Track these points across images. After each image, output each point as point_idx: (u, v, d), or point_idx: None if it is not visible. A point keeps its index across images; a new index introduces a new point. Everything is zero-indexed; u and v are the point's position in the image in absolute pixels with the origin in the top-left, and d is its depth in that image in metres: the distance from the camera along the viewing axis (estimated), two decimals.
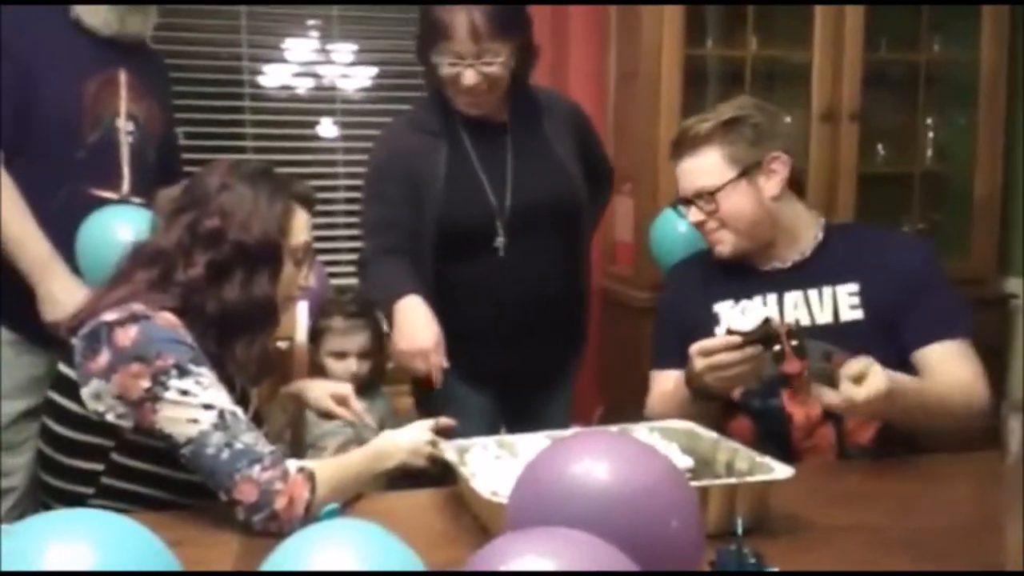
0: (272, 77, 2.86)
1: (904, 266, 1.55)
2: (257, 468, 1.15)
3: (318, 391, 1.62)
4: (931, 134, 2.89)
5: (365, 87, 2.93)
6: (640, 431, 1.27)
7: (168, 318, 1.24)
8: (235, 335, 1.29)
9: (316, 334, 2.09)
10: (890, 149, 2.87)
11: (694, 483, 1.05)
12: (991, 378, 1.52)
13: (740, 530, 0.90)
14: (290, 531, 1.10)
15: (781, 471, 1.12)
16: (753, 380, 1.45)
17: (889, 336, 1.52)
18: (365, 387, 2.04)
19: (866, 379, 1.27)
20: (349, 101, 2.91)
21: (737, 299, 1.60)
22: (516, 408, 1.98)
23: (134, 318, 1.21)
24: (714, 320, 1.62)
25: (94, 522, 0.69)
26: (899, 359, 1.52)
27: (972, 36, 2.73)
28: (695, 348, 1.42)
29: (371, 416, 1.74)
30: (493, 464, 1.14)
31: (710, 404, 1.50)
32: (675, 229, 2.36)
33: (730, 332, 1.38)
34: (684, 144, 1.59)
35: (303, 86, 2.88)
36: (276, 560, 0.65)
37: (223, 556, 1.07)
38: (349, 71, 2.91)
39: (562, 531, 0.70)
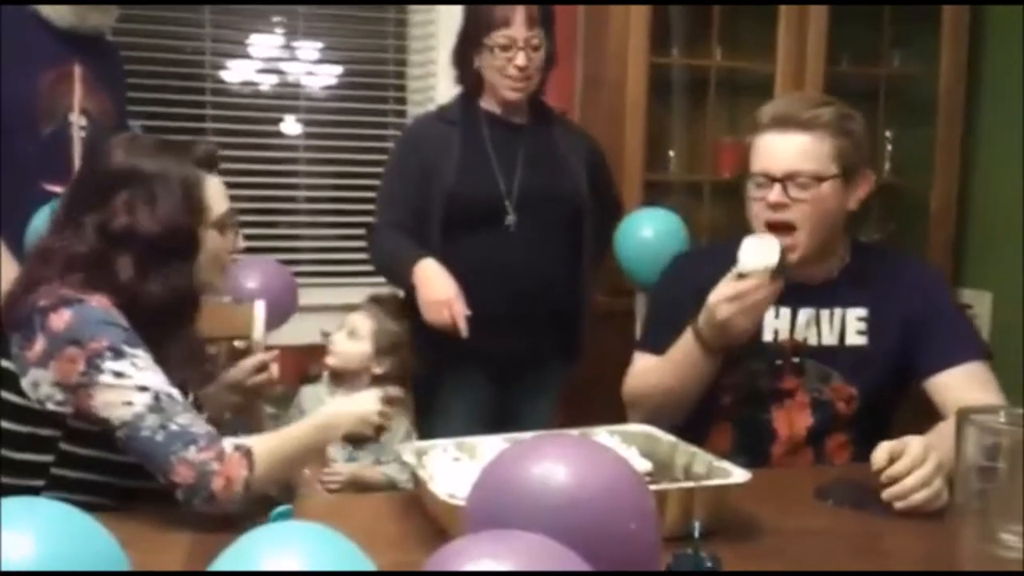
0: (235, 73, 2.82)
1: (914, 297, 1.51)
2: (193, 449, 1.13)
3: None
4: (890, 147, 2.94)
5: (330, 85, 2.91)
6: (600, 435, 1.27)
7: (102, 300, 1.21)
8: (167, 329, 1.26)
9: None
10: None
11: (652, 486, 1.05)
12: None
13: (697, 533, 0.90)
14: (232, 510, 1.11)
15: (738, 475, 1.12)
16: (767, 309, 1.41)
17: (891, 366, 1.50)
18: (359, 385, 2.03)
19: (907, 455, 1.21)
20: (313, 99, 2.89)
21: None
22: (503, 405, 2.09)
23: (66, 302, 1.19)
24: None
25: (43, 514, 0.68)
26: (897, 387, 1.52)
27: (931, 52, 2.79)
28: (715, 297, 1.37)
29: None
30: (452, 466, 1.14)
31: (715, 360, 1.46)
32: (640, 234, 2.38)
33: (743, 275, 1.36)
34: (795, 121, 1.44)
35: (267, 83, 2.85)
36: (223, 564, 0.63)
37: (172, 558, 1.05)
38: (314, 69, 2.88)
39: (518, 534, 0.70)
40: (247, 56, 2.81)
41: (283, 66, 2.85)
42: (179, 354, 1.27)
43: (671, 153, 2.85)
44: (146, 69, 2.61)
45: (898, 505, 1.20)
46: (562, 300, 2.10)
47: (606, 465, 0.83)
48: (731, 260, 1.45)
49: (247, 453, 1.15)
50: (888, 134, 2.94)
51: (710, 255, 1.65)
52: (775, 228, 1.45)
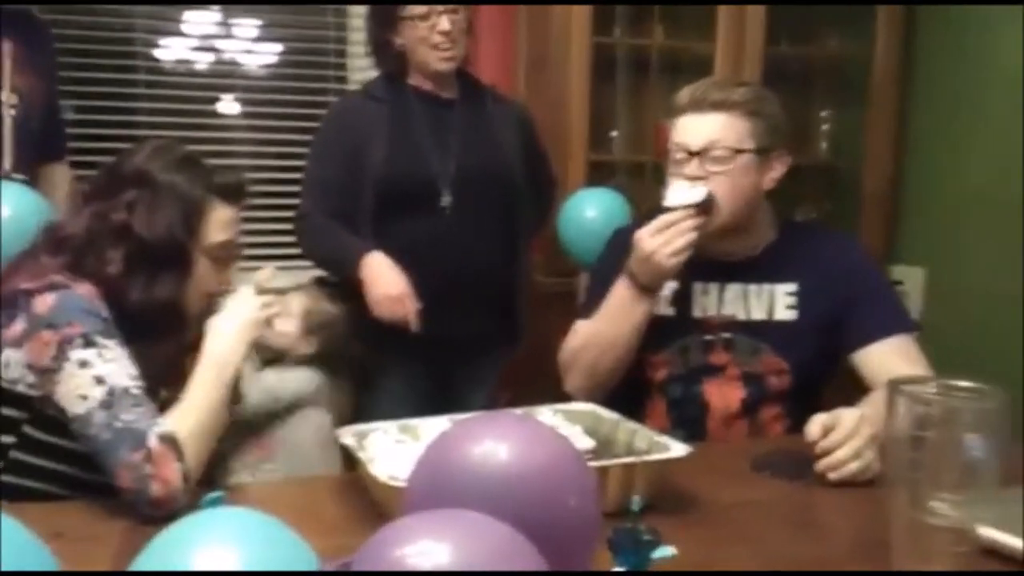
0: (169, 51, 2.75)
1: (842, 270, 1.55)
2: (132, 451, 1.10)
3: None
4: (826, 127, 3.00)
5: (269, 64, 2.85)
6: (544, 413, 1.28)
7: (88, 288, 1.20)
8: (138, 338, 1.22)
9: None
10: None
11: (593, 463, 1.06)
12: None
13: (636, 507, 0.91)
14: (179, 507, 1.07)
15: (677, 449, 1.14)
16: (691, 249, 1.44)
17: (821, 339, 1.53)
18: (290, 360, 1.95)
19: (839, 428, 1.25)
20: (252, 78, 2.83)
21: (679, 280, 1.57)
22: (443, 390, 2.06)
23: (53, 286, 1.19)
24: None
25: None
26: (827, 360, 1.55)
27: (867, 33, 2.84)
28: (641, 233, 1.42)
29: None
30: (394, 448, 1.13)
31: (648, 303, 1.49)
32: (583, 214, 2.39)
33: (670, 208, 1.42)
34: (709, 102, 1.49)
35: (203, 61, 2.78)
36: (148, 557, 0.60)
37: (103, 550, 1.02)
38: (252, 47, 2.82)
39: (458, 513, 0.70)
40: (181, 33, 2.74)
41: (219, 44, 2.79)
42: (154, 365, 1.24)
43: (614, 133, 2.86)
44: (76, 48, 2.53)
45: (831, 476, 1.24)
46: (500, 281, 2.08)
47: (545, 442, 0.83)
48: None
49: (172, 441, 1.12)
50: (824, 114, 2.99)
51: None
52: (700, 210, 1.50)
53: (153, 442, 1.11)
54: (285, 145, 2.81)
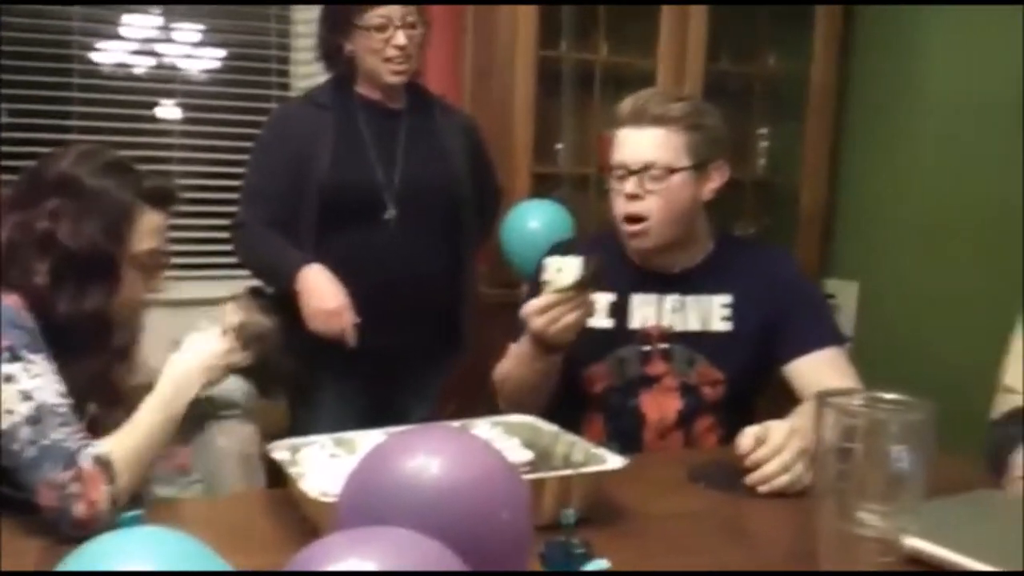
0: (107, 54, 2.69)
1: (775, 283, 1.57)
2: (58, 470, 1.07)
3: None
4: (764, 143, 3.06)
5: (210, 70, 2.80)
6: (482, 426, 1.28)
7: (15, 299, 1.16)
8: (65, 350, 1.18)
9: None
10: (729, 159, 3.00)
11: (528, 476, 1.06)
12: None
13: (570, 521, 0.92)
14: (104, 529, 1.05)
15: (613, 462, 1.15)
16: (585, 321, 1.43)
17: (755, 350, 1.55)
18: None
19: (769, 441, 1.27)
20: (192, 83, 2.78)
21: (617, 291, 1.58)
22: (383, 404, 2.02)
23: None
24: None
25: None
26: (761, 371, 1.58)
27: (805, 52, 2.91)
28: (527, 310, 1.40)
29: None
30: (327, 463, 1.11)
31: (551, 361, 1.48)
32: (526, 225, 2.40)
33: (557, 291, 1.37)
34: (648, 116, 1.50)
35: (142, 65, 2.73)
36: None
37: (14, 569, 0.99)
38: (193, 52, 2.78)
39: (386, 530, 0.69)
40: (120, 36, 2.69)
41: (160, 48, 2.74)
42: (82, 378, 1.20)
43: (559, 146, 2.88)
44: (10, 49, 2.46)
45: (761, 489, 1.26)
46: (443, 293, 2.05)
47: (477, 456, 0.83)
48: (606, 248, 1.55)
49: (106, 465, 1.09)
50: (763, 131, 3.05)
51: (584, 244, 1.69)
52: (631, 219, 1.53)
53: (86, 462, 1.08)
54: (225, 152, 2.77)
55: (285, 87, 2.83)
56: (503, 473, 0.81)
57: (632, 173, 1.51)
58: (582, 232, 2.38)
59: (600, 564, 0.91)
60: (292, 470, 1.10)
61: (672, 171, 1.50)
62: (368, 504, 0.77)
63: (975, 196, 2.60)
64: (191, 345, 1.26)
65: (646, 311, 1.58)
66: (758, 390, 1.64)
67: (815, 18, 2.89)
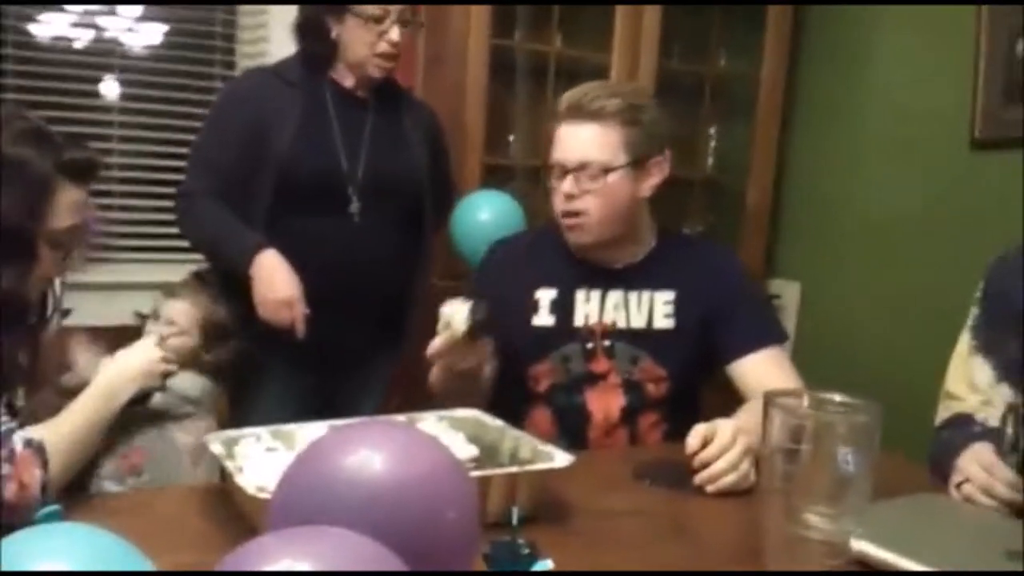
0: (44, 27, 2.57)
1: (715, 280, 1.57)
2: None
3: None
4: (713, 143, 3.07)
5: (152, 44, 2.70)
6: (427, 420, 1.25)
7: None
8: None
9: (156, 307, 1.86)
10: (675, 153, 3.00)
11: (474, 472, 1.04)
12: None
13: (515, 521, 0.89)
14: (31, 518, 0.99)
15: (560, 459, 1.13)
16: (479, 370, 1.45)
17: (695, 346, 1.55)
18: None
19: (716, 440, 1.27)
20: (132, 59, 2.68)
21: (560, 288, 1.57)
22: (328, 396, 1.97)
23: None
24: (533, 307, 1.58)
25: None
26: (704, 367, 1.58)
27: (756, 52, 2.93)
28: (433, 348, 1.38)
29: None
30: (265, 456, 1.07)
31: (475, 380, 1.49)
32: (477, 217, 2.37)
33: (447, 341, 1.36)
34: (585, 111, 1.48)
35: (82, 39, 2.61)
36: None
37: None
38: (135, 26, 2.67)
39: (322, 530, 0.65)
40: (59, 8, 2.57)
41: (100, 21, 2.63)
42: (4, 357, 1.13)
43: (511, 137, 2.85)
44: None
45: (708, 488, 1.26)
46: (396, 287, 2.01)
47: (423, 452, 0.80)
48: (549, 243, 1.56)
49: (39, 449, 1.05)
50: (712, 130, 3.07)
51: (529, 240, 1.67)
52: (568, 215, 1.53)
53: (19, 445, 1.03)
54: (166, 131, 2.68)
55: (230, 65, 2.74)
56: (449, 470, 0.78)
57: (569, 172, 1.50)
58: (532, 225, 2.36)
59: (545, 564, 0.89)
60: (228, 464, 1.05)
61: (608, 170, 1.48)
62: (305, 501, 0.74)
63: (920, 199, 2.65)
64: (131, 353, 1.24)
65: (589, 308, 1.57)
66: (702, 385, 1.64)
67: (766, 19, 2.91)
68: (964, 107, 2.49)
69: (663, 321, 1.56)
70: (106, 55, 2.63)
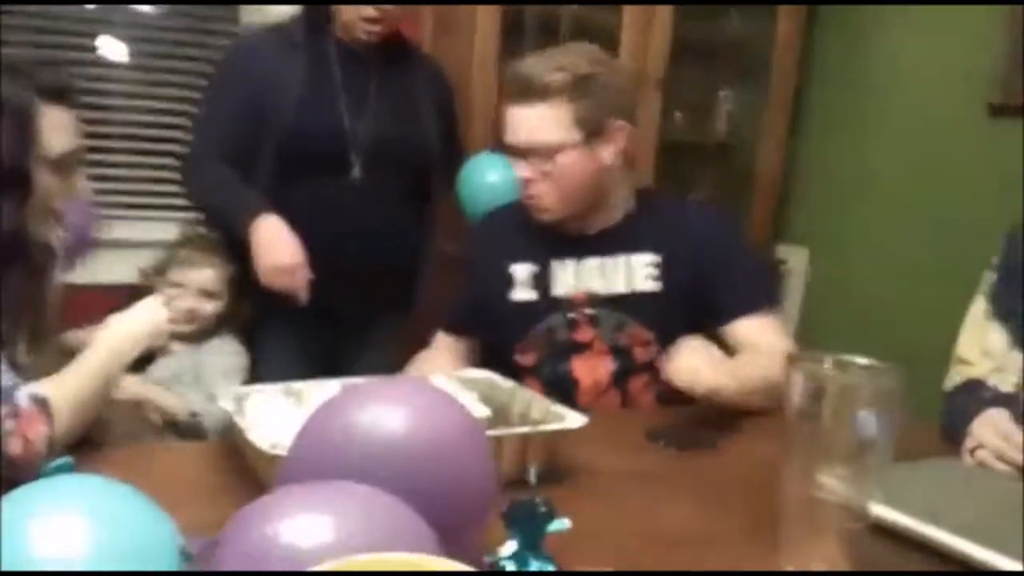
0: None
1: (704, 240, 1.53)
2: None
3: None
4: (726, 107, 3.03)
5: (156, 3, 2.65)
6: (439, 379, 1.23)
7: None
8: None
9: (157, 267, 1.86)
10: (688, 117, 2.98)
11: (489, 432, 1.02)
12: None
13: (533, 479, 0.88)
14: (37, 474, 0.96)
15: (573, 419, 1.12)
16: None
17: (686, 308, 1.51)
18: (207, 334, 1.83)
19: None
20: (133, 16, 2.63)
21: (536, 261, 1.55)
22: (335, 355, 1.96)
23: None
24: (508, 282, 1.56)
25: None
26: (693, 328, 1.51)
27: (770, 15, 2.88)
28: None
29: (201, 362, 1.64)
30: (276, 413, 1.06)
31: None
32: (484, 178, 2.34)
33: None
34: (530, 90, 1.43)
35: None
36: None
37: None
38: None
39: (341, 484, 0.64)
40: None
41: None
42: (5, 299, 1.11)
43: None
44: None
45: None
46: (402, 253, 1.98)
47: (442, 410, 0.78)
48: (523, 219, 1.54)
49: (43, 404, 1.03)
50: (724, 94, 3.02)
51: (511, 212, 1.64)
52: (528, 197, 1.50)
53: (23, 400, 1.01)
54: (166, 87, 2.63)
55: (234, 21, 2.69)
56: (468, 428, 0.77)
57: (522, 155, 1.46)
58: None
59: (562, 523, 0.88)
60: (238, 419, 1.04)
61: (559, 150, 1.44)
62: (321, 458, 0.72)
63: (934, 165, 2.61)
64: (137, 312, 1.22)
65: (567, 277, 1.53)
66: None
67: None
68: (981, 73, 2.45)
69: (646, 283, 1.52)
70: (109, 13, 2.58)
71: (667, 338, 1.51)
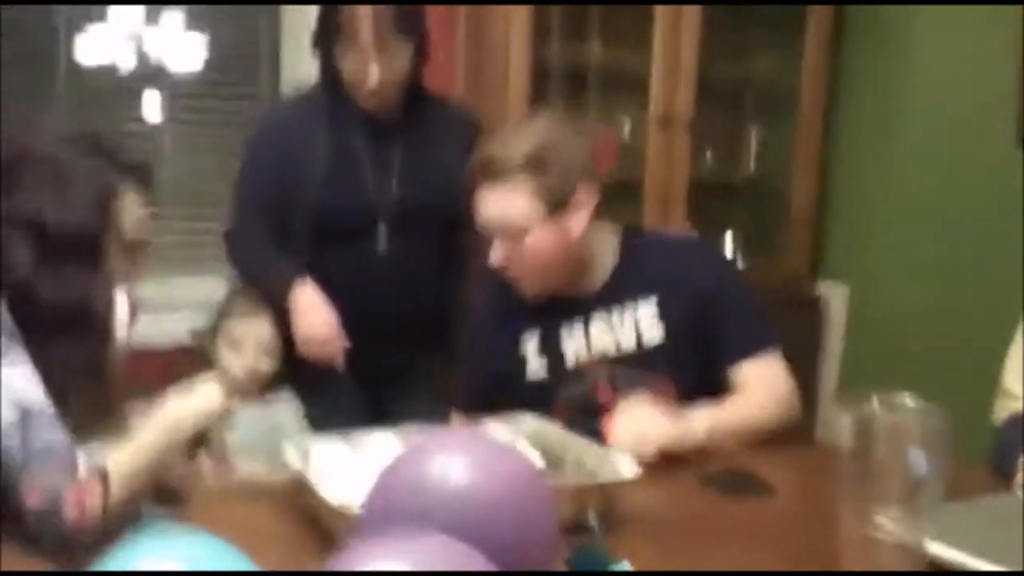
0: (90, 52, 2.62)
1: (703, 284, 1.51)
2: (51, 472, 1.02)
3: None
4: (755, 145, 3.06)
5: (197, 65, 2.75)
6: (494, 428, 1.26)
7: None
8: (50, 342, 1.12)
9: (212, 327, 1.87)
10: (718, 156, 3.01)
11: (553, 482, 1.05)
12: (803, 375, 1.58)
13: (594, 524, 0.91)
14: (86, 543, 0.99)
15: (627, 469, 1.13)
16: None
17: (693, 353, 1.50)
18: (265, 389, 1.85)
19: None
20: (178, 79, 2.73)
21: (544, 327, 1.54)
22: (379, 406, 1.95)
23: None
24: (521, 363, 1.55)
25: None
26: (708, 374, 1.52)
27: (796, 53, 2.91)
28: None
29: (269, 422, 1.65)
30: (339, 465, 1.09)
31: None
32: None
33: None
34: (491, 172, 1.44)
35: (127, 60, 2.66)
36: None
37: None
38: (179, 46, 2.72)
39: (420, 534, 0.68)
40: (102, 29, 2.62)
41: (145, 42, 2.67)
42: (67, 367, 1.14)
43: None
44: None
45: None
46: (435, 306, 1.96)
47: (507, 462, 0.82)
48: None
49: (103, 475, 1.06)
50: (754, 132, 3.05)
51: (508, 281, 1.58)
52: (509, 278, 1.50)
53: (82, 468, 1.05)
54: (214, 149, 2.71)
55: (276, 81, 2.78)
56: (534, 479, 0.80)
57: (493, 236, 1.47)
58: None
59: (623, 565, 0.90)
60: (306, 476, 1.07)
61: (525, 230, 1.44)
62: (398, 509, 0.76)
63: (967, 198, 2.62)
64: (197, 392, 1.22)
65: (576, 345, 1.53)
66: (716, 379, 1.54)
67: (807, 19, 2.89)
68: (1010, 103, 2.46)
69: (653, 335, 1.50)
70: (151, 76, 2.68)
71: (686, 384, 1.50)
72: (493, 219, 1.46)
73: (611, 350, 1.51)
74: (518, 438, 1.23)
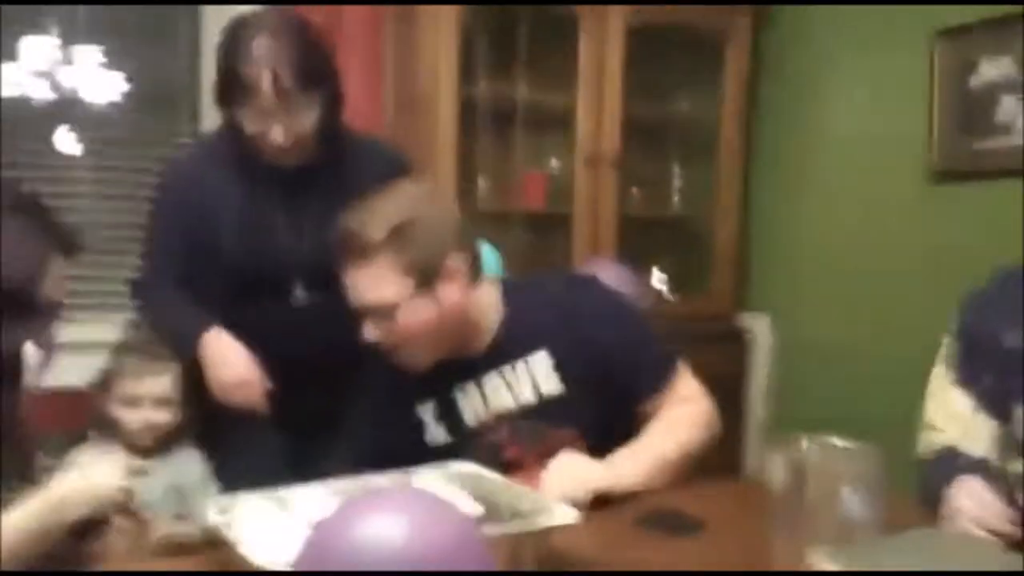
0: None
1: (598, 334, 1.48)
2: None
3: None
4: (679, 183, 3.13)
5: (114, 100, 2.67)
6: (428, 476, 1.23)
7: None
8: None
9: (104, 378, 1.73)
10: (645, 193, 3.06)
11: (485, 529, 1.03)
12: (730, 406, 1.60)
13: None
14: None
15: (562, 514, 1.12)
16: None
17: (596, 399, 1.47)
18: (168, 443, 1.71)
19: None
20: (93, 114, 2.64)
21: (438, 395, 1.50)
22: (300, 449, 1.86)
23: None
24: (418, 428, 1.51)
25: None
26: (616, 413, 1.49)
27: (716, 91, 3.00)
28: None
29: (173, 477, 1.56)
30: (263, 523, 1.04)
31: None
32: None
33: None
34: (353, 251, 1.38)
35: (40, 93, 2.57)
36: None
37: None
38: (96, 79, 2.63)
39: None
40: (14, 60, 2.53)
41: (60, 75, 2.58)
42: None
43: (480, 182, 2.86)
44: None
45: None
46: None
47: (439, 516, 0.79)
48: None
49: None
50: (677, 170, 3.12)
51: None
52: (389, 352, 1.44)
53: None
54: (132, 187, 2.63)
55: (193, 117, 2.72)
56: (467, 532, 0.78)
57: (364, 313, 1.41)
58: (511, 271, 2.33)
59: None
60: (228, 534, 1.02)
61: (396, 307, 1.38)
62: (329, 571, 0.72)
63: (882, 231, 2.71)
64: (95, 471, 1.17)
65: (473, 405, 1.49)
66: (624, 421, 1.52)
67: (724, 58, 2.97)
68: (921, 141, 2.56)
69: (549, 385, 1.47)
70: (66, 109, 2.59)
71: (593, 429, 1.47)
72: (362, 298, 1.40)
73: (511, 405, 1.48)
74: (451, 485, 1.20)
